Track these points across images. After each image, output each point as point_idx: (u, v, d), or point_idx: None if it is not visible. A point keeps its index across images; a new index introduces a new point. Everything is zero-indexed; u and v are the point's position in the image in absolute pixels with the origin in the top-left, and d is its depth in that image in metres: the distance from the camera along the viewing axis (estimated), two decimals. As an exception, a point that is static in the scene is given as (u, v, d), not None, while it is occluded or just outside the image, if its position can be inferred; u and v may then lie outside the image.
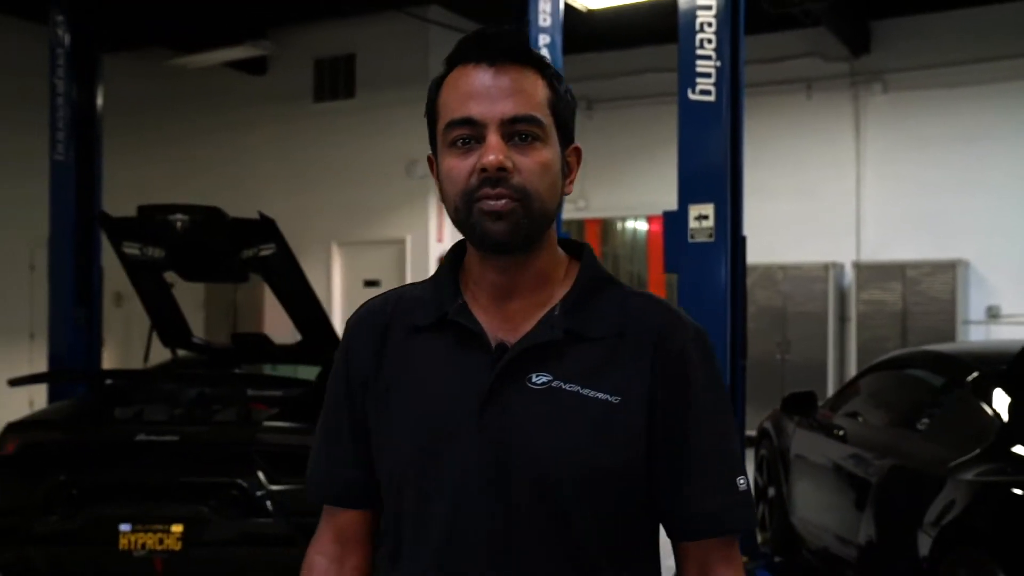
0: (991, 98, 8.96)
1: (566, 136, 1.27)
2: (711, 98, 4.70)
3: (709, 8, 4.71)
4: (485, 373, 1.23)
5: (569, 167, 1.28)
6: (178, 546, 4.15)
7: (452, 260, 1.33)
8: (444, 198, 1.25)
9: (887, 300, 9.05)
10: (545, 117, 1.22)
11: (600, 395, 1.22)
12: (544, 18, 6.41)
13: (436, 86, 1.27)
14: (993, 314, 9.04)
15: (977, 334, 8.96)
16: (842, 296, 9.50)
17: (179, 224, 4.55)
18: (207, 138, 11.19)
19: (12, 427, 4.49)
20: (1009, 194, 8.88)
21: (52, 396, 6.52)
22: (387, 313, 1.33)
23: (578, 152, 1.30)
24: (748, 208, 5.08)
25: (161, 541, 4.18)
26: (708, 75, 4.71)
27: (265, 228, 4.63)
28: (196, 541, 4.13)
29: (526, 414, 1.21)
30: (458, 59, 1.24)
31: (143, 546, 4.16)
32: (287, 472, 4.25)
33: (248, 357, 5.46)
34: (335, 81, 10.78)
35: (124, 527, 4.19)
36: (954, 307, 8.81)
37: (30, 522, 4.25)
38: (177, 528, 4.17)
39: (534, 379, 1.23)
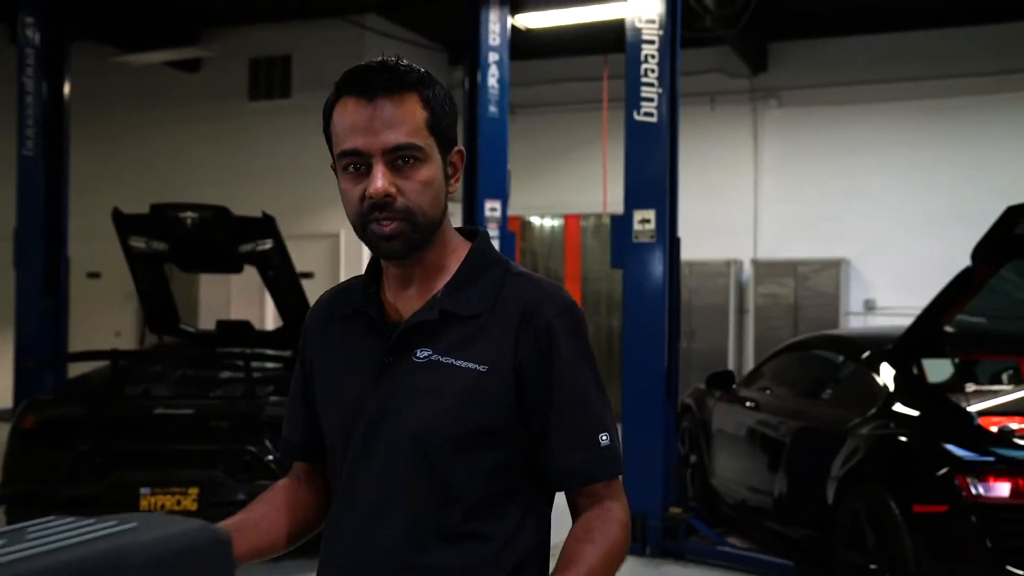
0: (872, 116, 10.12)
1: (447, 144, 1.38)
2: (653, 119, 5.52)
3: (652, 43, 5.52)
4: (381, 351, 1.39)
5: (454, 167, 1.41)
6: (194, 507, 4.70)
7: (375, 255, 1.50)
8: (346, 212, 1.37)
9: (781, 294, 10.13)
10: (424, 140, 1.33)
11: (471, 365, 1.34)
12: (494, 38, 7.12)
13: (329, 109, 1.38)
14: (870, 306, 10.23)
15: (856, 323, 10.12)
16: (741, 290, 10.54)
17: (189, 221, 5.07)
18: (140, 133, 11.42)
19: (34, 404, 4.95)
20: (884, 202, 10.06)
21: (18, 382, 6.86)
22: (332, 304, 1.52)
23: (461, 153, 1.42)
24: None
25: (179, 502, 4.73)
26: (651, 99, 5.52)
27: (265, 225, 5.20)
28: (211, 501, 4.68)
29: (410, 384, 1.36)
30: (343, 91, 1.35)
31: (162, 507, 4.69)
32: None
33: (232, 342, 5.98)
34: (271, 81, 11.18)
35: (144, 490, 4.72)
36: (838, 300, 9.96)
37: (56, 487, 4.73)
38: (193, 491, 4.72)
39: (418, 354, 1.37)
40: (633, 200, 5.58)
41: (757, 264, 10.35)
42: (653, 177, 5.55)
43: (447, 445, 1.32)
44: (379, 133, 1.30)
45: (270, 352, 5.50)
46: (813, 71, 10.41)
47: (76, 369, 6.87)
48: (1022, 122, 9.61)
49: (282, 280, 5.46)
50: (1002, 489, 3.67)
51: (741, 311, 10.46)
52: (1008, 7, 9.10)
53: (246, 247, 5.30)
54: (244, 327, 5.94)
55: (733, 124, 10.73)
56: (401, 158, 1.31)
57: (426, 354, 1.37)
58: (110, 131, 11.32)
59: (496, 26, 7.12)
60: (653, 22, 5.52)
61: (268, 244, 5.25)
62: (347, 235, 10.81)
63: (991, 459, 3.77)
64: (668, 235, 5.56)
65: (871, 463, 4.20)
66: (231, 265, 5.63)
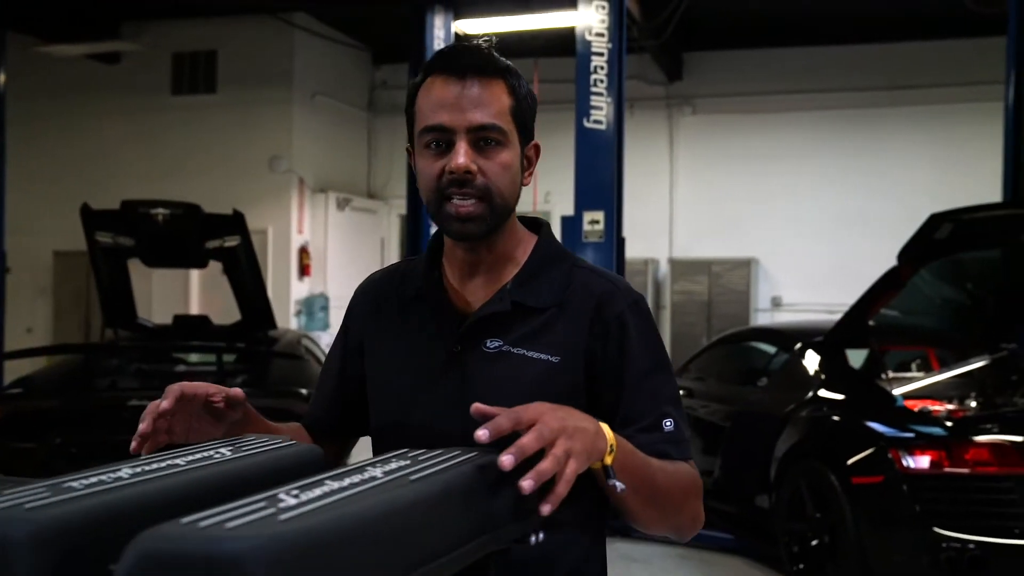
0: (779, 124, 10.81)
1: (526, 135, 1.40)
2: (602, 126, 5.90)
3: (602, 55, 5.90)
4: (450, 340, 1.38)
5: (528, 161, 1.42)
6: (171, 496, 4.83)
7: (436, 239, 1.48)
8: (420, 189, 1.39)
9: (695, 291, 10.72)
10: (506, 124, 1.34)
11: (543, 356, 1.35)
12: (438, 43, 7.38)
13: (414, 90, 1.39)
14: (777, 303, 10.92)
15: (764, 320, 10.80)
16: (658, 288, 11.09)
17: (160, 217, 5.18)
18: (60, 124, 11.17)
19: (4, 397, 4.98)
20: (789, 205, 10.75)
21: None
22: (384, 286, 1.51)
23: (537, 148, 1.44)
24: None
25: (156, 492, 4.85)
26: (600, 108, 5.90)
27: (235, 222, 5.35)
28: (188, 491, 4.82)
29: (482, 374, 1.36)
30: (433, 69, 1.36)
31: (139, 497, 4.81)
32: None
33: (190, 337, 6.08)
34: (195, 76, 11.11)
35: (120, 481, 4.82)
36: (748, 297, 10.62)
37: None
38: (170, 481, 4.86)
39: (488, 344, 1.37)
40: (583, 202, 5.95)
41: (673, 263, 10.91)
42: (602, 181, 5.93)
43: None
44: (466, 111, 1.32)
45: (226, 345, 5.62)
46: (725, 81, 11.02)
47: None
48: (911, 134, 10.42)
49: (246, 276, 5.61)
50: (926, 461, 4.18)
51: (658, 308, 11.00)
52: (902, 29, 9.88)
53: (213, 243, 5.43)
54: (202, 321, 6.05)
55: (650, 129, 11.25)
56: (484, 139, 1.33)
57: (496, 344, 1.37)
58: (28, 122, 11.05)
59: (441, 32, 7.40)
60: (603, 35, 5.90)
61: (236, 240, 5.40)
62: (274, 232, 10.84)
63: (916, 435, 4.29)
64: (615, 235, 5.95)
65: (812, 442, 4.68)
66: (196, 260, 5.74)
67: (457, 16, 7.58)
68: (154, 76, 11.12)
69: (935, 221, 4.35)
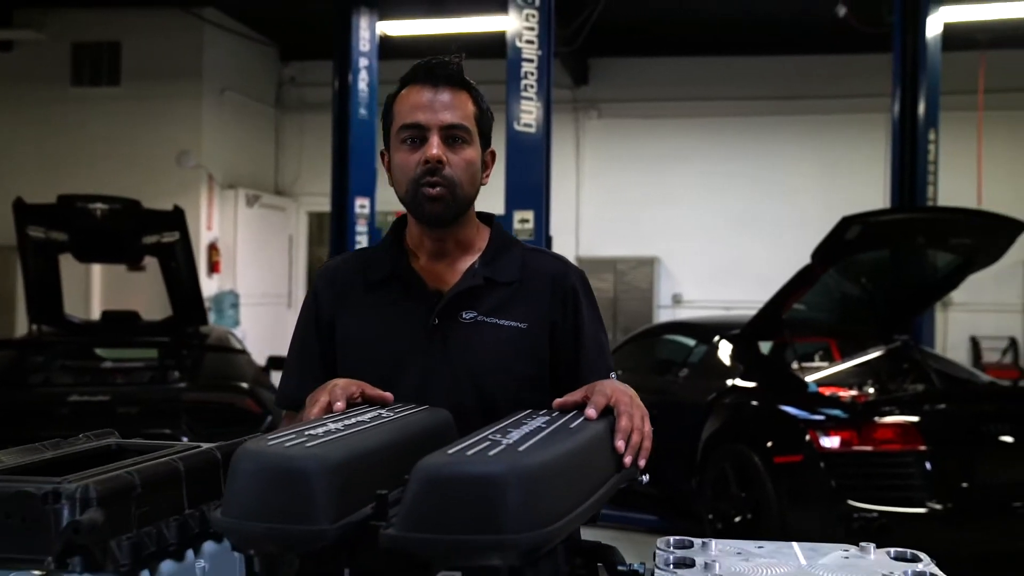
0: (680, 129, 11.33)
1: (486, 142, 1.65)
2: (532, 130, 6.16)
3: (532, 61, 6.16)
4: (427, 313, 1.58)
5: (486, 164, 1.66)
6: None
7: (397, 230, 1.70)
8: (395, 182, 1.60)
9: (601, 288, 11.11)
10: (472, 126, 1.59)
11: (513, 323, 1.60)
12: (364, 44, 7.51)
13: (391, 99, 1.63)
14: (677, 300, 11.44)
15: (666, 316, 11.29)
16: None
17: (99, 212, 5.16)
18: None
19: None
20: (688, 206, 11.27)
21: None
22: (345, 271, 1.70)
23: (493, 154, 1.69)
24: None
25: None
26: (530, 112, 6.16)
27: (174, 218, 5.38)
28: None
29: (461, 341, 1.58)
30: (410, 80, 1.61)
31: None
32: (206, 423, 5.09)
33: (118, 332, 6.03)
34: (97, 67, 10.81)
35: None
36: (651, 294, 11.10)
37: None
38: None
39: (464, 316, 1.59)
40: (513, 202, 6.20)
41: (580, 261, 11.28)
42: (531, 182, 6.19)
43: (498, 390, 1.55)
44: (439, 112, 1.55)
45: (176, 340, 5.64)
46: (629, 86, 11.47)
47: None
48: (801, 142, 11.10)
49: (183, 272, 5.63)
50: (838, 441, 4.61)
51: (565, 304, 11.34)
52: (793, 43, 10.52)
53: (151, 239, 5.43)
54: (131, 317, 6.02)
55: (557, 132, 11.49)
56: (453, 136, 1.56)
57: (471, 315, 1.59)
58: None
59: (366, 33, 7.52)
60: (532, 43, 6.17)
61: (175, 236, 5.42)
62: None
63: (829, 418, 4.72)
64: (544, 234, 6.23)
65: (734, 427, 5.07)
66: (132, 256, 5.72)
67: (382, 17, 7.70)
68: (52, 66, 10.76)
69: (846, 223, 4.79)
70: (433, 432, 1.28)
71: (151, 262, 6.15)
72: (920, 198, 6.73)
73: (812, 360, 6.37)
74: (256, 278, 11.19)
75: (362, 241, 7.47)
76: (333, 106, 7.62)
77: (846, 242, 4.89)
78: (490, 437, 1.08)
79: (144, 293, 9.15)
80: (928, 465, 4.51)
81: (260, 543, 0.97)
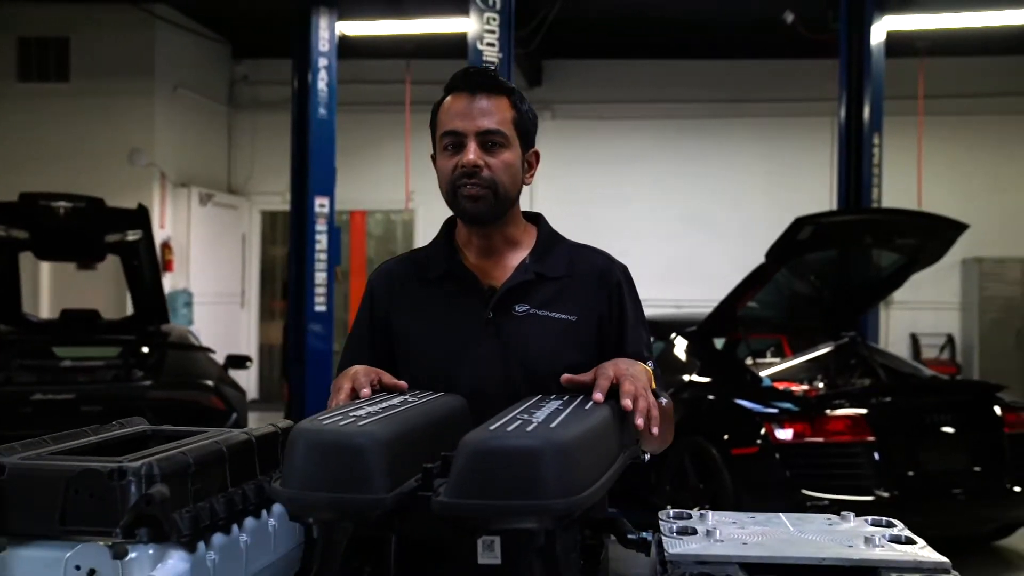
0: (633, 131, 11.53)
1: (527, 143, 1.71)
2: (493, 132, 6.27)
3: (493, 63, 6.28)
4: (482, 308, 1.68)
5: (529, 165, 1.74)
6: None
7: (447, 230, 1.80)
8: (439, 184, 1.70)
9: (555, 287, 11.26)
10: (509, 131, 1.66)
11: (563, 315, 1.69)
12: (323, 44, 7.55)
13: (436, 107, 1.73)
14: (629, 299, 11.63)
15: (618, 314, 11.48)
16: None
17: (61, 210, 5.15)
18: None
19: None
20: (642, 206, 11.47)
21: None
22: (401, 270, 1.80)
23: (536, 154, 1.76)
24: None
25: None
26: (491, 114, 6.27)
27: (138, 217, 5.38)
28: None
29: (516, 333, 1.67)
30: (451, 88, 1.70)
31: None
32: (172, 421, 5.11)
33: (77, 331, 6.00)
34: (44, 62, 10.65)
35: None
36: (604, 293, 11.26)
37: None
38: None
39: (517, 309, 1.68)
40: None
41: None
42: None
43: (550, 378, 1.59)
44: (475, 119, 1.64)
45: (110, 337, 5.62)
46: (583, 88, 11.65)
47: None
48: (750, 144, 11.37)
49: (145, 271, 5.63)
50: (792, 433, 4.81)
51: (519, 303, 11.47)
52: (743, 48, 10.79)
53: (114, 237, 5.43)
54: (91, 316, 5.99)
55: (512, 132, 11.69)
56: (490, 141, 1.64)
57: (524, 308, 1.68)
58: None
59: (326, 32, 7.56)
60: (493, 45, 6.29)
61: (138, 235, 5.42)
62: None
63: (783, 411, 4.92)
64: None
65: (693, 420, 5.24)
66: (94, 254, 5.70)
67: (341, 18, 7.75)
68: (-2, 61, 10.57)
69: (799, 224, 4.98)
70: (453, 415, 1.39)
71: (108, 260, 6.15)
72: (866, 200, 6.99)
73: (765, 356, 6.59)
74: (209, 277, 11.12)
75: (321, 240, 7.52)
76: (292, 105, 7.65)
77: (798, 242, 5.09)
78: (519, 416, 1.19)
79: (95, 291, 9.07)
80: (876, 455, 4.72)
81: (322, 511, 1.07)
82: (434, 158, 1.74)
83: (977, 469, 4.97)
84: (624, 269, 1.81)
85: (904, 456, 4.80)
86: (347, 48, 10.15)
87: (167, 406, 5.12)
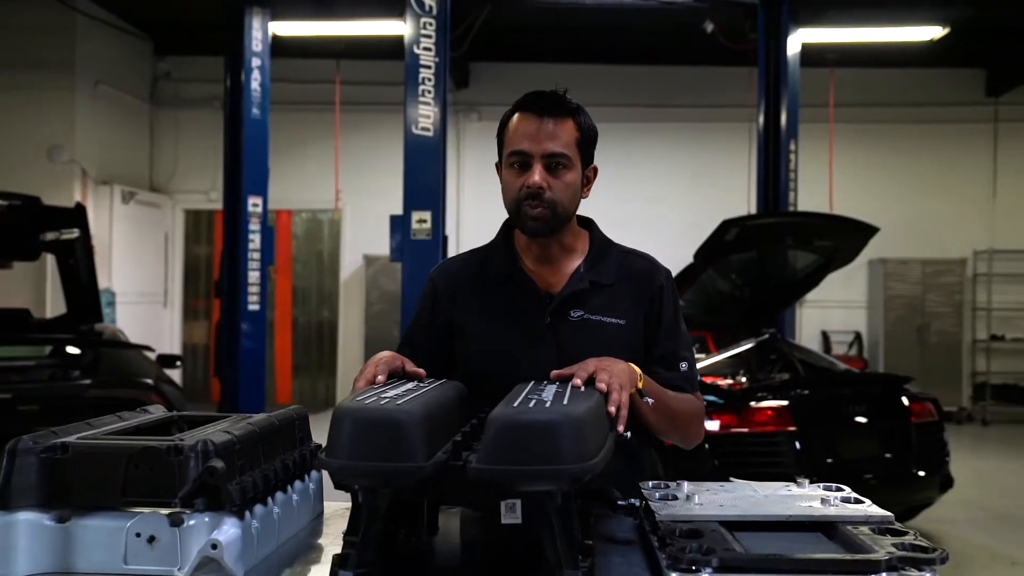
0: (557, 134, 11.77)
1: (587, 160, 1.84)
2: (429, 133, 6.42)
3: (429, 67, 6.42)
4: (540, 312, 1.82)
5: (588, 180, 1.86)
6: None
7: (506, 234, 1.94)
8: (503, 195, 1.83)
9: (482, 286, 11.43)
10: (572, 152, 1.77)
11: (615, 320, 1.82)
12: (257, 44, 7.56)
13: (505, 120, 1.86)
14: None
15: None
16: (446, 283, 11.70)
17: (-1, 208, 5.08)
18: None
19: None
20: (567, 207, 11.74)
21: None
22: (463, 271, 1.94)
23: (595, 169, 1.87)
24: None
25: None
26: (428, 116, 6.41)
27: (75, 215, 5.35)
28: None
29: (572, 337, 1.80)
30: (521, 107, 1.83)
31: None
32: (112, 421, 5.12)
33: (6, 331, 5.90)
34: (-42, 56, 10.33)
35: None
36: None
37: None
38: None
39: (572, 314, 1.82)
40: (411, 203, 6.44)
41: (461, 260, 11.56)
42: (429, 183, 6.44)
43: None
44: (542, 142, 1.76)
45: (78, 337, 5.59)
46: (509, 91, 11.52)
47: None
48: (670, 148, 11.76)
49: (81, 270, 5.59)
50: (719, 424, 5.09)
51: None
52: (664, 54, 11.15)
53: (50, 235, 5.38)
54: (22, 315, 5.91)
55: (440, 133, 11.83)
56: (555, 163, 1.76)
57: (579, 314, 1.82)
58: None
59: (259, 33, 7.58)
60: (430, 50, 6.42)
61: (74, 234, 5.38)
62: (52, 224, 10.34)
63: (708, 403, 5.18)
64: (440, 233, 6.49)
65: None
66: (29, 253, 5.63)
67: (275, 18, 7.77)
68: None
69: (726, 226, 5.26)
70: (459, 398, 1.55)
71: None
72: (784, 203, 7.36)
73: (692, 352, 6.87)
74: (132, 276, 10.95)
75: (255, 239, 7.54)
76: (225, 105, 7.65)
77: (725, 243, 5.37)
78: (530, 396, 1.36)
79: (13, 291, 8.86)
80: (797, 444, 5.03)
81: (369, 478, 1.22)
82: (498, 167, 1.88)
83: (888, 456, 5.33)
84: (667, 273, 1.94)
85: (822, 444, 5.12)
86: (277, 47, 10.14)
87: (106, 405, 5.10)
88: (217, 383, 10.89)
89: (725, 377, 5.92)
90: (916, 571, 1.20)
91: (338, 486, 1.26)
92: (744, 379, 5.91)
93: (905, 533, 1.31)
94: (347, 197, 11.61)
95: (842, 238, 5.62)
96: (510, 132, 1.84)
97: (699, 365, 5.99)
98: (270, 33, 7.70)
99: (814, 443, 5.08)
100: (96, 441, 1.32)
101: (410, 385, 1.52)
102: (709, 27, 9.05)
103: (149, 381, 5.37)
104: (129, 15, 10.88)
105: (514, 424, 1.23)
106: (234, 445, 1.33)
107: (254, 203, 7.54)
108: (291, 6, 8.22)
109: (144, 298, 11.24)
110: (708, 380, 5.58)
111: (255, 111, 7.56)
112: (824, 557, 1.22)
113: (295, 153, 11.38)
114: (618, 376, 1.60)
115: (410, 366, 1.66)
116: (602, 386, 1.55)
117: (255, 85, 7.55)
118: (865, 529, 1.34)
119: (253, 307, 7.46)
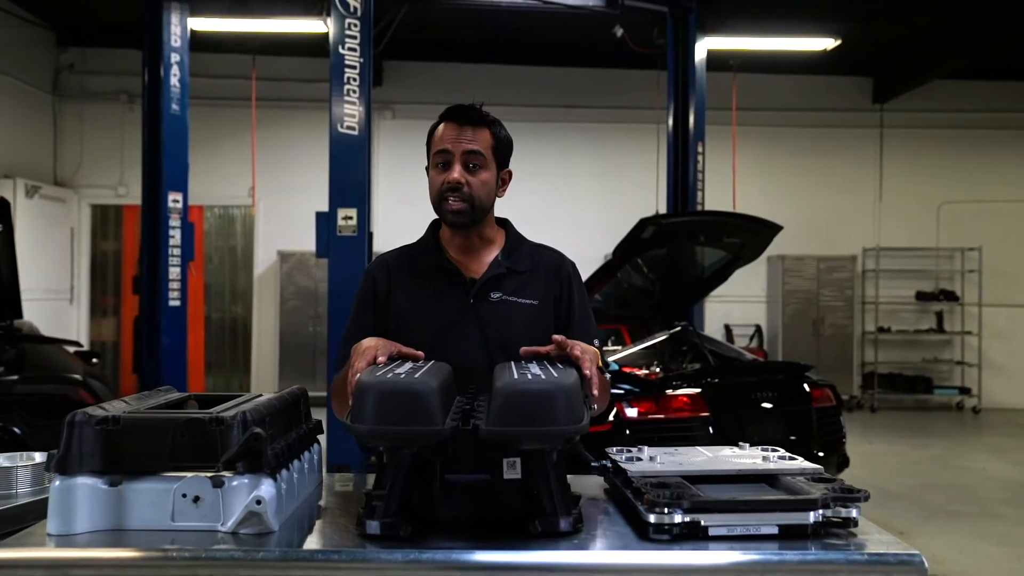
0: (471, 133, 11.98)
1: (502, 164, 2.11)
2: (355, 132, 6.54)
3: (354, 67, 6.53)
4: (465, 294, 2.09)
5: (502, 181, 2.14)
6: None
7: (433, 230, 2.20)
8: (430, 192, 2.07)
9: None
10: (487, 153, 2.05)
11: (528, 301, 2.09)
12: (175, 39, 7.54)
13: (432, 129, 2.11)
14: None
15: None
16: (361, 279, 11.79)
17: (-82, 204, 5.00)
18: None
19: None
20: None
21: None
22: (396, 262, 2.18)
23: (510, 173, 2.15)
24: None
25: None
26: (353, 115, 6.53)
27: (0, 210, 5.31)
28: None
29: (492, 315, 2.07)
30: (445, 117, 2.09)
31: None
32: (40, 415, 5.11)
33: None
34: None
35: None
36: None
37: None
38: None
39: (492, 296, 2.08)
40: (337, 200, 6.54)
41: (376, 257, 11.64)
42: (354, 181, 6.55)
43: (516, 350, 1.88)
44: (462, 143, 2.03)
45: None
46: (422, 89, 11.99)
47: None
48: (582, 148, 12.11)
49: (3, 265, 5.53)
50: (638, 411, 5.39)
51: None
52: (575, 56, 11.48)
53: (-29, 231, 5.32)
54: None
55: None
56: (472, 162, 2.03)
57: (498, 295, 2.09)
58: None
59: (177, 28, 7.54)
60: (355, 50, 6.54)
61: (-3, 229, 5.34)
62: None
63: (629, 392, 5.49)
64: (366, 230, 6.62)
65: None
66: (-52, 249, 5.53)
67: (193, 14, 7.74)
68: None
69: (642, 224, 5.57)
70: (450, 375, 1.76)
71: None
72: (692, 202, 7.74)
73: (607, 344, 7.20)
74: (37, 272, 10.68)
75: (175, 235, 7.52)
76: (143, 100, 7.59)
77: (641, 240, 5.68)
78: (521, 370, 1.58)
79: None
80: (711, 429, 5.37)
81: (394, 440, 1.42)
82: (427, 170, 2.12)
83: (792, 438, 5.73)
84: (572, 264, 2.23)
85: (734, 428, 5.47)
86: (192, 42, 10.05)
87: (34, 400, 5.11)
88: (132, 379, 10.74)
89: (641, 367, 6.24)
90: (843, 508, 1.47)
91: (364, 448, 1.45)
92: (659, 369, 6.24)
93: (833, 480, 1.58)
94: (261, 193, 11.58)
95: (749, 236, 5.99)
96: (436, 137, 2.09)
97: (616, 356, 6.34)
98: (189, 29, 7.67)
99: (726, 427, 5.43)
100: (143, 414, 1.48)
101: (409, 365, 1.71)
102: (619, 32, 9.39)
103: (77, 376, 5.37)
104: (29, 4, 10.60)
105: (517, 393, 1.45)
106: (265, 417, 1.51)
107: (174, 199, 7.52)
108: (208, 2, 8.20)
109: (49, 295, 10.98)
110: (626, 370, 5.88)
111: (174, 107, 7.52)
112: (773, 498, 1.48)
113: (208, 148, 11.27)
114: (588, 352, 1.84)
115: (406, 349, 1.85)
116: (576, 353, 1.79)
117: (174, 81, 7.52)
118: (801, 479, 1.60)
119: (174, 303, 7.44)
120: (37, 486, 1.87)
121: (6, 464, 1.86)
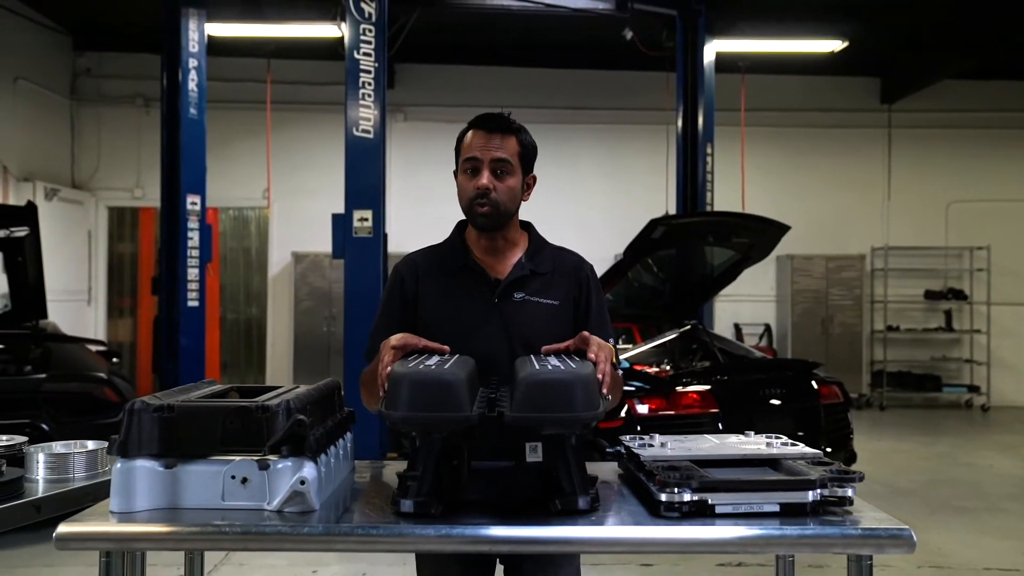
0: (482, 135, 12.10)
1: (527, 170, 2.22)
2: (370, 135, 6.67)
3: (369, 72, 6.67)
4: (489, 295, 2.18)
5: (527, 186, 2.24)
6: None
7: (460, 231, 2.32)
8: (459, 197, 2.21)
9: (410, 283, 11.68)
10: (514, 160, 2.16)
11: (549, 301, 2.20)
12: (193, 45, 7.69)
13: (461, 136, 2.23)
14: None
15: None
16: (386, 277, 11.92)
17: (-52, 206, 5.16)
18: None
19: None
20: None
21: None
22: (424, 261, 2.28)
23: (534, 178, 2.25)
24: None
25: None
26: (368, 119, 6.67)
27: (26, 213, 5.46)
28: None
29: (515, 315, 2.17)
30: (474, 125, 2.22)
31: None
32: (67, 412, 5.26)
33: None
34: None
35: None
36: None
37: None
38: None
39: (515, 296, 2.19)
40: (353, 202, 6.68)
41: (388, 258, 11.78)
42: (370, 183, 6.70)
43: (538, 346, 2.00)
44: (490, 150, 2.15)
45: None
46: (433, 92, 12.13)
47: None
48: (590, 148, 12.22)
49: (28, 267, 5.69)
50: (648, 407, 5.51)
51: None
52: (584, 58, 11.59)
53: (0, 233, 5.47)
54: (-35, 312, 5.97)
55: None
56: (499, 169, 2.15)
57: (521, 295, 2.20)
58: None
59: (195, 34, 7.70)
60: (370, 55, 6.68)
61: (24, 231, 5.48)
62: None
63: (641, 389, 5.61)
64: (381, 231, 6.76)
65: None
66: (-24, 250, 5.70)
67: (209, 19, 7.89)
68: None
69: (653, 224, 5.69)
70: (475, 368, 1.88)
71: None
72: (701, 203, 7.86)
73: (619, 342, 7.32)
74: (55, 274, 10.82)
75: (194, 237, 7.67)
76: (161, 105, 7.75)
77: (652, 240, 5.80)
78: (541, 362, 1.70)
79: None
80: (720, 425, 5.49)
81: (426, 425, 1.55)
82: (455, 174, 2.24)
83: (800, 434, 5.83)
84: (591, 267, 2.34)
85: (742, 424, 5.57)
86: (208, 47, 10.22)
87: (61, 398, 5.26)
88: (149, 379, 10.93)
89: (651, 365, 6.36)
90: (839, 487, 1.59)
91: (398, 433, 1.58)
92: (669, 367, 6.36)
93: (831, 463, 1.70)
94: (275, 195, 11.73)
95: (758, 236, 6.10)
96: (465, 144, 2.22)
97: (628, 354, 6.46)
98: (206, 34, 7.82)
99: (735, 423, 5.53)
100: (195, 403, 1.61)
101: (437, 358, 1.84)
102: (628, 35, 9.50)
103: (102, 375, 5.52)
104: (47, 9, 10.78)
105: (540, 382, 1.57)
106: (307, 405, 1.64)
107: (192, 201, 7.67)
108: (224, 8, 8.35)
109: (68, 296, 11.15)
110: (637, 368, 6.00)
111: (192, 111, 7.68)
112: (775, 478, 1.60)
113: (223, 151, 11.42)
114: (604, 350, 1.96)
115: (431, 344, 1.97)
116: (592, 355, 1.91)
117: (192, 85, 7.67)
118: (802, 462, 1.73)
119: (192, 303, 7.59)
120: (91, 471, 2.01)
121: (63, 451, 2.00)
